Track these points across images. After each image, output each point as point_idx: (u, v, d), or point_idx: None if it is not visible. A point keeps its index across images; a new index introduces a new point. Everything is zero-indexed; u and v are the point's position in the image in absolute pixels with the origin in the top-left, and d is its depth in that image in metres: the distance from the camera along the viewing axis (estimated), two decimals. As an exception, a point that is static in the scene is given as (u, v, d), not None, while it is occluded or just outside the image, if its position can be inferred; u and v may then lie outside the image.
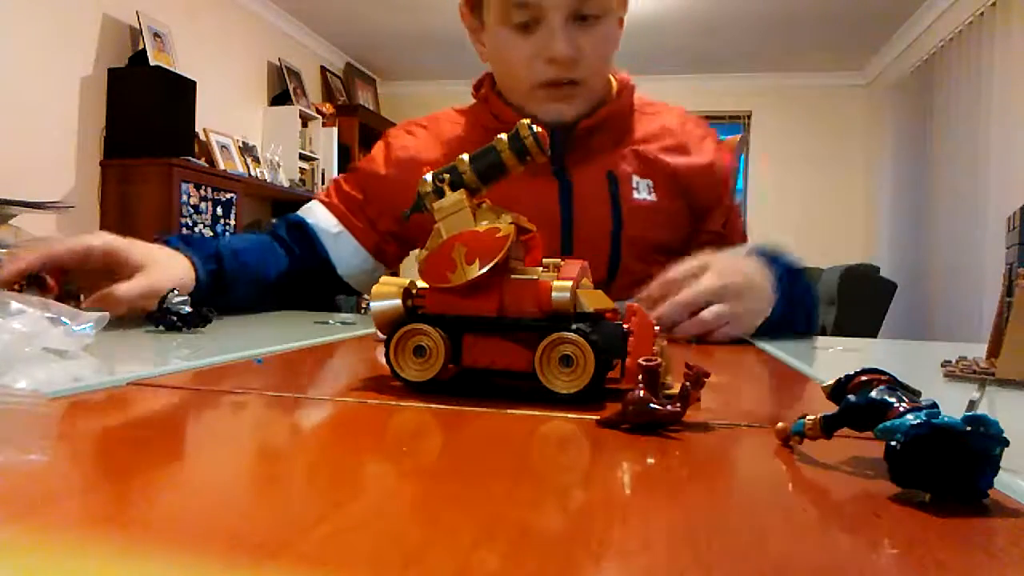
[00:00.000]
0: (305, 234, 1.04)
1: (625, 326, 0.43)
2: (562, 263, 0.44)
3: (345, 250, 1.05)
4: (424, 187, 0.46)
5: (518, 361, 0.42)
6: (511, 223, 0.43)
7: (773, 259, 0.87)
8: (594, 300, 0.43)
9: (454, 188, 0.45)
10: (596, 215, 0.98)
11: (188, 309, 0.68)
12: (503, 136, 0.45)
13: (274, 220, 1.13)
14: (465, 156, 0.46)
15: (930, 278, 4.03)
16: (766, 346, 0.74)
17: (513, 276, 0.43)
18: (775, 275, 0.83)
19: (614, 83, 1.05)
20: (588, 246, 0.96)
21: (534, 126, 0.45)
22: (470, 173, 0.45)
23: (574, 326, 0.40)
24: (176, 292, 0.69)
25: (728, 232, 1.07)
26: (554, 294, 0.41)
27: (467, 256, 0.42)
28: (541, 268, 0.44)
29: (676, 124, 1.07)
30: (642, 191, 1.01)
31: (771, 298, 0.81)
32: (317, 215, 1.05)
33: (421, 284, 0.45)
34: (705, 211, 1.05)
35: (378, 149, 1.09)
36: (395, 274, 0.91)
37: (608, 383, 0.44)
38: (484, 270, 0.41)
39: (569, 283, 0.41)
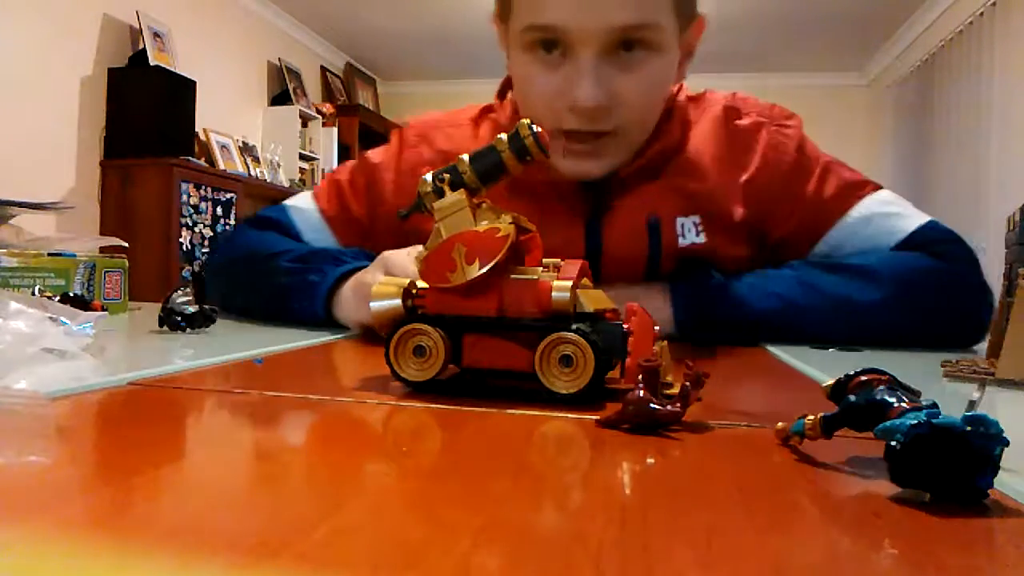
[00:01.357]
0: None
1: (625, 326, 0.43)
2: (562, 263, 0.44)
3: None
4: (424, 187, 0.46)
5: (518, 361, 0.42)
6: (511, 223, 0.43)
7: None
8: (594, 300, 0.43)
9: (454, 188, 0.45)
10: (627, 266, 0.81)
11: (192, 309, 0.68)
12: (503, 136, 0.45)
13: (265, 214, 0.98)
14: (465, 156, 0.46)
15: (930, 278, 4.02)
16: (766, 346, 0.74)
17: (513, 276, 0.43)
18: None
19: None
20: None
21: (534, 126, 0.45)
22: (470, 173, 0.45)
23: (574, 326, 0.40)
24: (180, 292, 0.69)
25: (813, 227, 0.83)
26: (554, 294, 0.41)
27: (467, 256, 0.42)
28: (541, 268, 0.44)
29: (714, 128, 0.85)
30: (688, 233, 0.82)
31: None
32: (317, 231, 0.93)
33: (421, 284, 0.45)
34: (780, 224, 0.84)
35: (389, 159, 0.93)
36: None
37: (608, 383, 0.44)
38: (484, 270, 0.41)
39: (569, 283, 0.41)
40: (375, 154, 0.95)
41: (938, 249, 0.80)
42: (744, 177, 0.83)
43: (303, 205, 0.96)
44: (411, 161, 0.90)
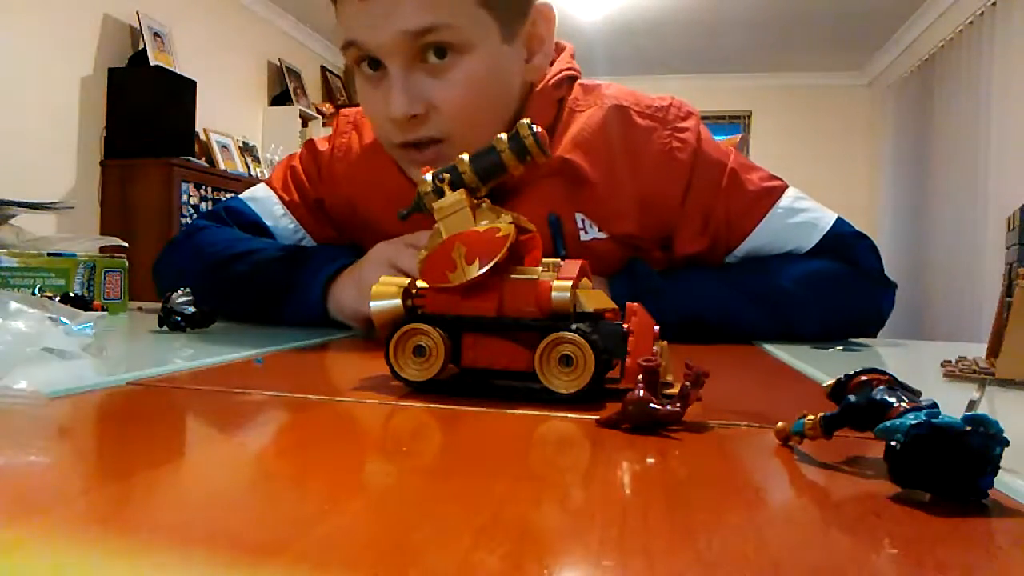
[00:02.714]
0: (265, 235, 0.93)
1: (625, 326, 0.43)
2: (562, 263, 0.44)
3: None
4: (424, 187, 0.46)
5: (518, 361, 0.42)
6: (511, 223, 0.43)
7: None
8: (594, 300, 0.43)
9: (454, 188, 0.45)
10: None
11: (192, 309, 0.68)
12: (503, 136, 0.45)
13: (218, 212, 0.97)
14: (465, 156, 0.46)
15: (930, 278, 4.03)
16: (766, 346, 0.74)
17: (513, 276, 0.43)
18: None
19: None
20: None
21: (534, 126, 0.45)
22: (470, 173, 0.45)
23: (574, 326, 0.40)
24: (180, 292, 0.69)
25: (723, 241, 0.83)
26: (554, 294, 0.41)
27: (467, 256, 0.42)
28: (541, 268, 0.44)
29: (602, 129, 0.81)
30: (591, 229, 0.81)
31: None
32: (276, 218, 0.94)
33: (421, 284, 0.45)
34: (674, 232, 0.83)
35: (328, 146, 0.94)
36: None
37: (608, 383, 0.44)
38: (484, 270, 0.41)
39: (569, 283, 0.41)
40: (320, 141, 0.97)
41: (848, 253, 0.85)
42: (636, 193, 0.80)
43: (260, 195, 0.96)
44: (342, 148, 0.92)
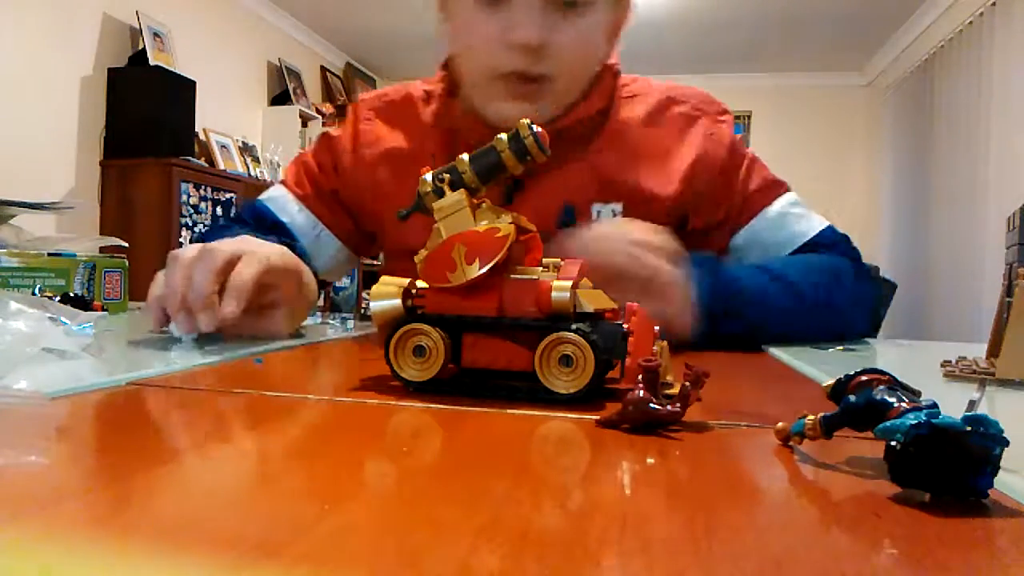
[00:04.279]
0: (285, 233, 0.93)
1: (625, 326, 0.43)
2: (562, 263, 0.44)
3: (327, 251, 0.96)
4: (424, 187, 0.46)
5: (518, 361, 0.42)
6: (511, 223, 0.43)
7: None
8: (594, 300, 0.43)
9: (454, 188, 0.45)
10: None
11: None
12: (503, 136, 0.45)
13: (238, 212, 0.98)
14: (465, 156, 0.46)
15: (930, 278, 4.03)
16: (766, 346, 0.74)
17: (513, 276, 0.43)
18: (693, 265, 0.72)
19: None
20: None
21: (534, 126, 0.45)
22: (470, 173, 0.45)
23: (574, 326, 0.40)
24: None
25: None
26: (554, 294, 0.41)
27: (467, 256, 0.42)
28: (541, 268, 0.44)
29: (649, 116, 0.87)
30: (606, 218, 0.84)
31: (684, 286, 0.69)
32: (292, 214, 0.94)
33: (421, 284, 0.45)
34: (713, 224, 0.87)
35: (346, 134, 0.97)
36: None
37: (608, 383, 0.44)
38: (484, 270, 0.41)
39: (569, 283, 0.41)
40: (335, 131, 0.99)
41: (837, 252, 0.89)
42: (680, 165, 0.86)
43: (276, 194, 0.97)
44: (368, 135, 0.95)
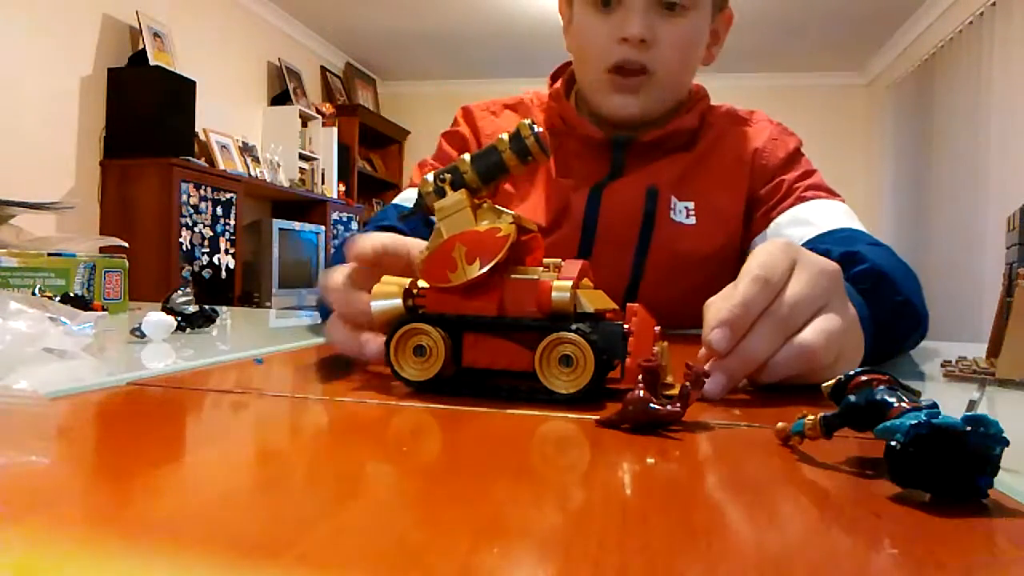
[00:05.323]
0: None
1: (625, 326, 0.43)
2: (562, 263, 0.44)
3: None
4: (425, 187, 0.46)
5: (518, 361, 0.42)
6: (512, 223, 0.43)
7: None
8: (594, 300, 0.43)
9: (455, 188, 0.45)
10: (622, 228, 0.91)
11: (192, 309, 0.68)
12: (504, 136, 0.45)
13: (377, 226, 0.96)
14: (467, 156, 0.46)
15: (930, 278, 4.02)
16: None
17: (513, 276, 0.43)
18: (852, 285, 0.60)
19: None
20: (609, 257, 0.91)
21: (535, 126, 0.45)
22: (471, 173, 0.45)
23: (574, 326, 0.40)
24: (180, 292, 0.69)
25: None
26: (554, 294, 0.41)
27: (467, 256, 0.42)
28: (541, 268, 0.44)
29: (728, 130, 0.97)
30: (679, 215, 0.93)
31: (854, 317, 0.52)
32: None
33: (422, 283, 0.45)
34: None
35: (465, 130, 1.03)
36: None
37: (608, 383, 0.44)
38: (484, 270, 0.41)
39: (569, 283, 0.41)
40: (451, 128, 1.05)
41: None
42: (751, 148, 0.96)
43: (410, 196, 0.97)
44: (487, 127, 1.02)
